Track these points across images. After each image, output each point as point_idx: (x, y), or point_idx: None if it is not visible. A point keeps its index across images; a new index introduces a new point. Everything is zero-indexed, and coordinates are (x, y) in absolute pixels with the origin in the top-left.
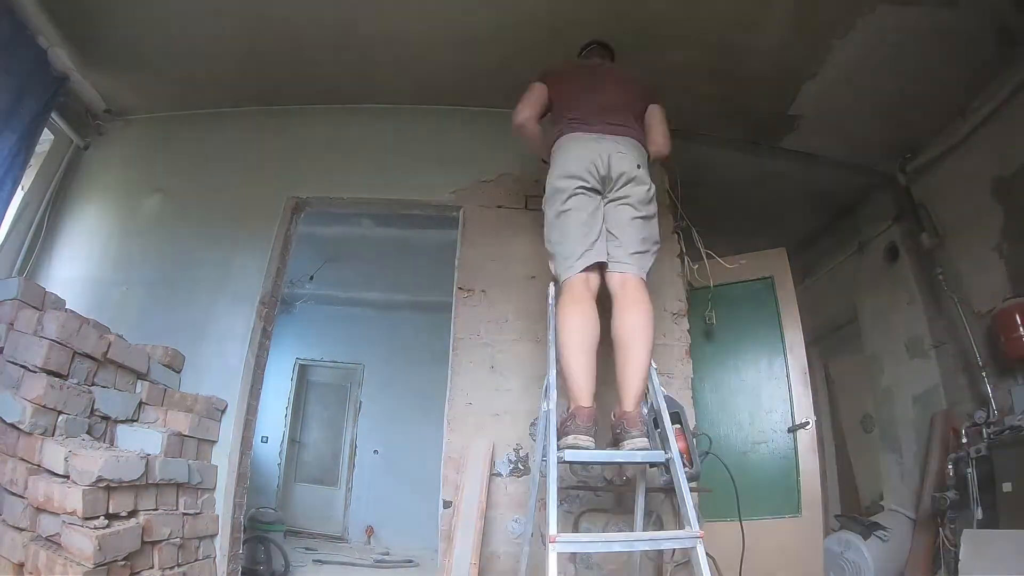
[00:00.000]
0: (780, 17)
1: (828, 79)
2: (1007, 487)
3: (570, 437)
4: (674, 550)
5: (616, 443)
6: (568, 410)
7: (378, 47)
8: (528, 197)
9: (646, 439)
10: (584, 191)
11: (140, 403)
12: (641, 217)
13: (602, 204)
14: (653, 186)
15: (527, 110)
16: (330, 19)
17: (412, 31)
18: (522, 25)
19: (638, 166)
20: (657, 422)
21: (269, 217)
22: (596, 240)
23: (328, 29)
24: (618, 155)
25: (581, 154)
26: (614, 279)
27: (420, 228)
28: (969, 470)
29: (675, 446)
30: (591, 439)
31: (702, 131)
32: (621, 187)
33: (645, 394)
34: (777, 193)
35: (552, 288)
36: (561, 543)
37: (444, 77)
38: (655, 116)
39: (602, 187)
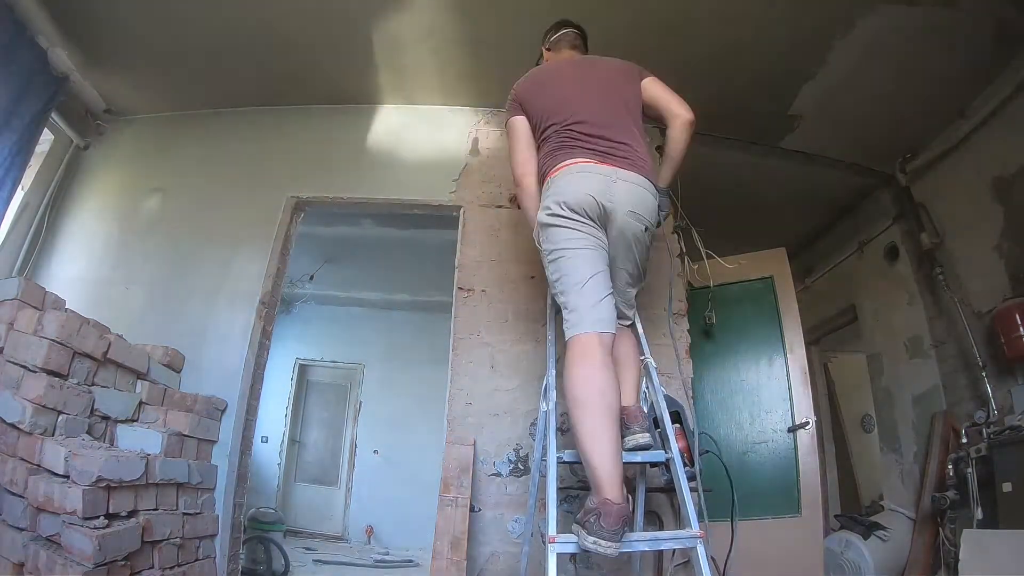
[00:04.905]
0: (779, 17)
1: (828, 79)
2: (1007, 487)
3: (590, 539)
4: (674, 550)
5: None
6: (593, 504)
7: (378, 46)
8: None
9: (648, 434)
10: (589, 229)
11: (140, 403)
12: (637, 276)
13: (605, 243)
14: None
15: (526, 162)
16: (330, 19)
17: (412, 30)
18: (523, 23)
19: (645, 228)
20: (657, 421)
21: (269, 217)
22: (606, 297)
23: (328, 29)
24: (630, 211)
25: (587, 189)
26: None
27: (420, 228)
28: (969, 470)
29: (675, 445)
30: (617, 545)
31: (702, 131)
32: (625, 243)
33: (640, 391)
34: (777, 193)
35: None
36: (561, 543)
37: (444, 76)
38: (657, 88)
39: (603, 224)
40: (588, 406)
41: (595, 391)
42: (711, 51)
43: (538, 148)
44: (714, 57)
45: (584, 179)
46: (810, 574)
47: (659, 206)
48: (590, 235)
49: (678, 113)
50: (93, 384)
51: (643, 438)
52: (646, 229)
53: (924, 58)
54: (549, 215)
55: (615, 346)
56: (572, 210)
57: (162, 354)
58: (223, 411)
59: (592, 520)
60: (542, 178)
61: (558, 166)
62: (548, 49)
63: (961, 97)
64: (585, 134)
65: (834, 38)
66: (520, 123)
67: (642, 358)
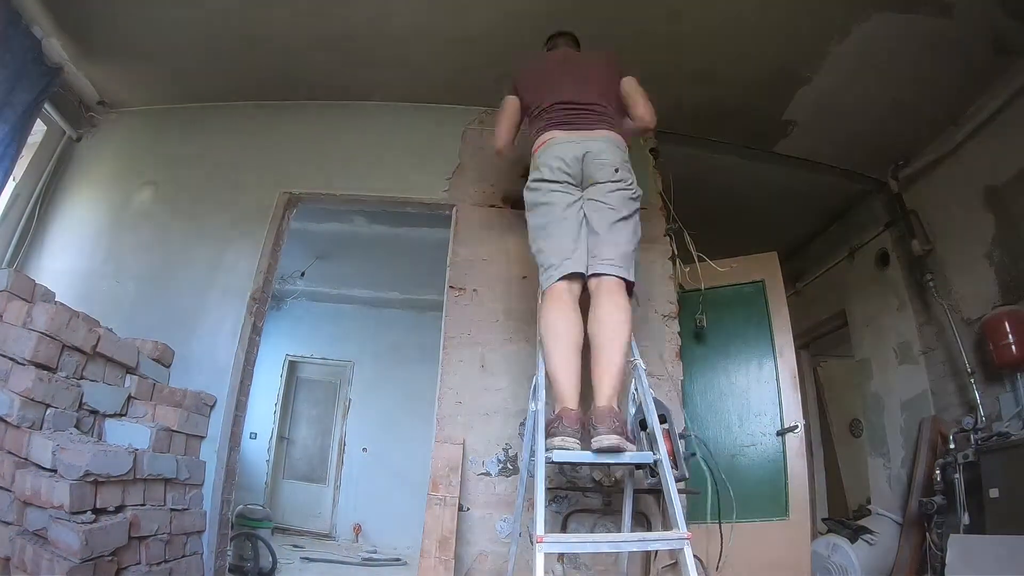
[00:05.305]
0: (775, 23)
1: (823, 85)
2: (994, 493)
3: (557, 439)
4: (657, 552)
5: (589, 440)
6: (555, 412)
7: (372, 44)
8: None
9: (616, 436)
10: (561, 191)
11: (129, 397)
12: (622, 219)
13: (583, 201)
14: (635, 186)
15: (505, 134)
16: (325, 15)
17: (406, 28)
18: (516, 23)
19: (616, 169)
20: (645, 424)
21: (261, 212)
22: (576, 249)
23: (323, 25)
24: (596, 161)
25: (558, 155)
26: (591, 281)
27: (412, 226)
28: (956, 475)
29: (663, 447)
30: (577, 441)
31: (696, 134)
32: (601, 190)
33: (629, 393)
34: (770, 197)
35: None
36: (549, 543)
37: (438, 74)
38: (631, 88)
39: (580, 185)
40: (554, 347)
41: (560, 334)
42: (707, 56)
43: (530, 125)
44: (710, 62)
45: (559, 148)
46: None
47: None
48: (563, 195)
49: (638, 115)
50: (82, 378)
51: (608, 440)
52: (617, 170)
53: (919, 66)
54: (531, 192)
55: (595, 316)
56: (549, 179)
57: (152, 348)
58: (212, 407)
59: (556, 425)
60: (532, 149)
61: (538, 140)
62: (548, 50)
63: (954, 105)
64: (565, 114)
65: (830, 44)
66: (512, 103)
67: (632, 359)
